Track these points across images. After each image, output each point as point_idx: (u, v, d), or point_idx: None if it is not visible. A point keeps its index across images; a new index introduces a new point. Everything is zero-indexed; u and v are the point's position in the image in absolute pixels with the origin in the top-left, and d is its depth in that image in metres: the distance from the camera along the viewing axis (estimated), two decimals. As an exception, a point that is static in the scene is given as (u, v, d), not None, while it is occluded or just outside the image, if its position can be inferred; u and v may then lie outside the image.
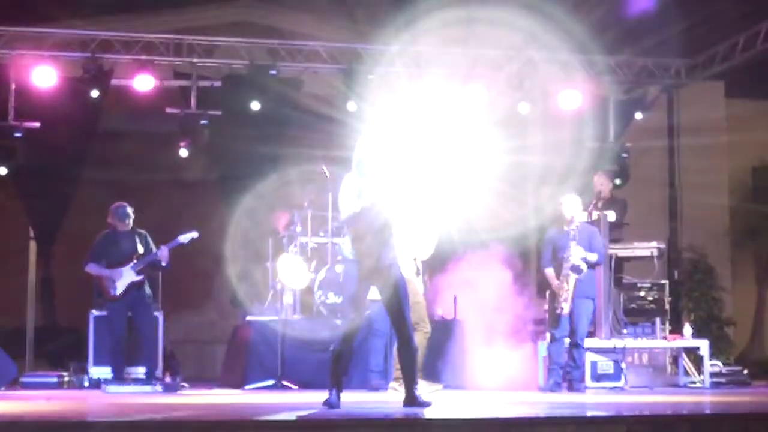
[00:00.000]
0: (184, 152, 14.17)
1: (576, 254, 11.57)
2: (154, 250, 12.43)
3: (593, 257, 11.69)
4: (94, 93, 13.87)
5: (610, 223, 12.96)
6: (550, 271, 11.80)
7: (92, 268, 12.48)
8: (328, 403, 8.72)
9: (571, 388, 11.60)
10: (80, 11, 15.83)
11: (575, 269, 11.55)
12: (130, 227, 12.53)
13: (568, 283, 11.59)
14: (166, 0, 17.23)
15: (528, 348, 12.56)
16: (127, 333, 12.40)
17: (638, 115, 15.26)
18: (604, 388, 12.10)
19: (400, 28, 14.49)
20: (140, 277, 12.40)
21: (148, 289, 12.57)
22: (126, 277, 12.37)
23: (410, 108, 13.14)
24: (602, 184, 13.64)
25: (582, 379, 11.82)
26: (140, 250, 12.42)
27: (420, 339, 10.74)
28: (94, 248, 12.49)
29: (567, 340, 11.71)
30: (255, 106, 14.23)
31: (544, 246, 12.05)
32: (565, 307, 11.57)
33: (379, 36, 15.64)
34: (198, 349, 17.66)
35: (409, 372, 8.94)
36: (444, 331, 12.84)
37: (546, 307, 12.15)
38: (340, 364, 8.94)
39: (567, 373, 11.70)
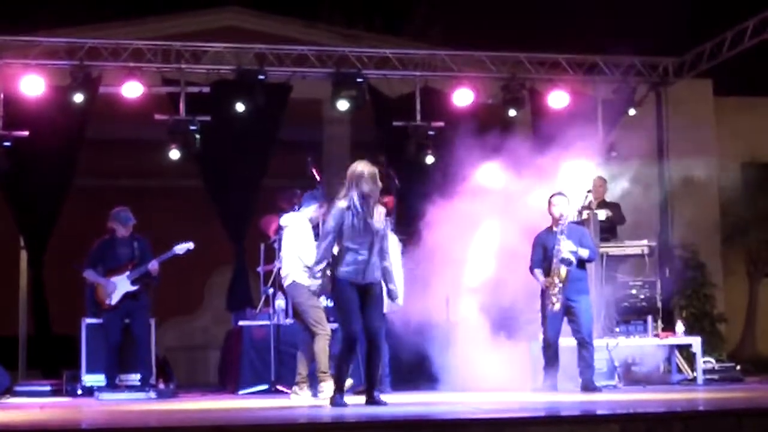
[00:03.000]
0: (175, 153, 14.15)
1: (565, 248, 11.53)
2: (152, 257, 12.42)
3: (585, 252, 11.63)
4: (78, 97, 13.84)
5: (612, 222, 13.04)
6: (539, 272, 11.70)
7: (90, 275, 12.48)
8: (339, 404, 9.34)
9: (585, 388, 11.38)
10: (67, 19, 15.86)
11: (565, 261, 11.45)
12: (130, 232, 12.54)
13: (558, 277, 11.51)
14: (153, 7, 17.26)
15: (521, 348, 12.54)
16: (122, 340, 12.39)
17: (631, 111, 15.27)
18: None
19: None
20: (135, 288, 12.39)
21: (146, 297, 12.55)
22: (121, 287, 12.36)
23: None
24: (599, 186, 13.68)
25: (594, 378, 11.57)
26: (137, 257, 12.41)
27: (322, 344, 10.88)
28: (92, 254, 12.51)
29: (574, 340, 11.65)
30: (240, 107, 14.23)
31: (533, 248, 11.83)
32: (557, 304, 11.51)
33: (367, 39, 15.67)
34: (191, 355, 17.66)
35: (375, 374, 9.69)
36: (437, 332, 12.83)
37: (539, 310, 11.91)
38: (345, 373, 9.60)
39: (580, 372, 11.54)
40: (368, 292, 9.50)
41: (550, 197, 11.79)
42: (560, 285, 11.48)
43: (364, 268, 9.42)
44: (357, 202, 9.39)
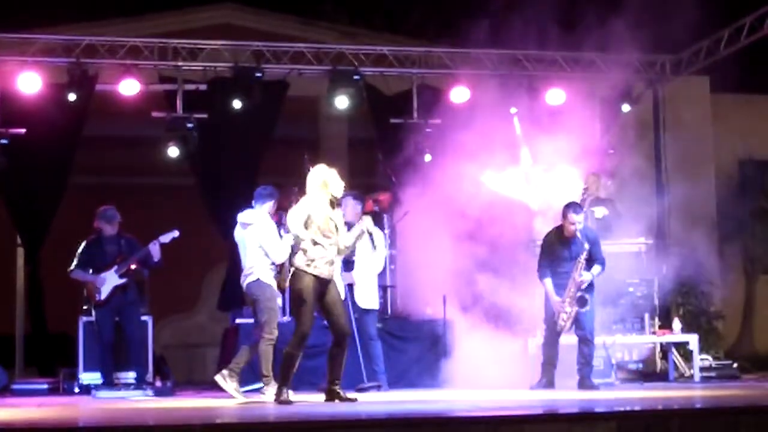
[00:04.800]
0: (173, 151, 14.13)
1: (584, 280, 11.35)
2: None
3: (597, 270, 11.51)
4: (71, 96, 13.82)
5: (609, 220, 13.05)
6: (549, 283, 11.52)
7: (77, 275, 12.45)
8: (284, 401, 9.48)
9: (582, 386, 11.35)
10: (64, 16, 15.83)
11: (580, 302, 11.32)
12: (116, 230, 12.51)
13: (571, 308, 11.37)
14: (150, 4, 17.23)
15: (519, 345, 12.54)
16: (116, 338, 12.38)
17: (625, 107, 15.26)
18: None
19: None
20: (123, 281, 12.36)
21: (134, 293, 12.54)
22: (110, 281, 12.34)
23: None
24: (593, 182, 13.65)
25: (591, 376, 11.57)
26: (125, 253, 12.39)
27: (265, 347, 10.95)
28: (80, 255, 12.48)
29: (573, 337, 11.61)
30: (237, 105, 14.23)
31: (542, 250, 11.69)
32: (566, 326, 11.45)
33: (364, 37, 15.62)
34: (188, 353, 17.65)
35: (340, 371, 9.93)
36: (434, 330, 12.84)
37: (543, 314, 11.83)
38: (292, 366, 9.75)
39: (578, 370, 11.51)
40: (329, 289, 9.83)
41: (568, 211, 11.44)
42: (572, 315, 11.41)
43: (331, 263, 9.79)
44: (325, 203, 9.84)
